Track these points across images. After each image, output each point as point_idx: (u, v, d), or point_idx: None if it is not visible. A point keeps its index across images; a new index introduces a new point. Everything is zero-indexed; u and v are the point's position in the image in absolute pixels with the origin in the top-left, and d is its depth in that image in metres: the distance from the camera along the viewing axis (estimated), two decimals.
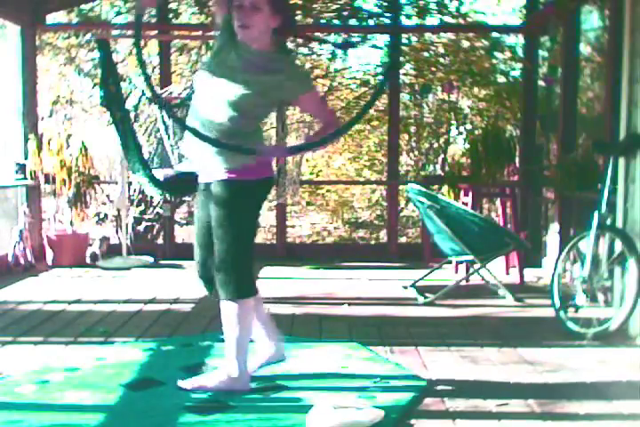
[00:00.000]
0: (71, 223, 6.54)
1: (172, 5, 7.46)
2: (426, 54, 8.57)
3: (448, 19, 7.99)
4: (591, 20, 6.03)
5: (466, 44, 8.47)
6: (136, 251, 6.59)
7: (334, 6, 7.49)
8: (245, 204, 2.95)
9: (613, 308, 4.02)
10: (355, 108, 9.08)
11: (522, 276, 5.63)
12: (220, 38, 2.98)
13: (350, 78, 9.22)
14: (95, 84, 8.13)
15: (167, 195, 5.15)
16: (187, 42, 8.41)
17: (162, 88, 6.41)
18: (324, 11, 7.58)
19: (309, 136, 2.93)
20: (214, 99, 2.89)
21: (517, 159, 6.64)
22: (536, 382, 3.17)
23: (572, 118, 5.90)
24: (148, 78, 3.58)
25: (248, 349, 3.03)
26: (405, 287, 5.32)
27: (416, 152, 9.47)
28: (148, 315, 4.45)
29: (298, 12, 7.55)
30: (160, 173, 4.58)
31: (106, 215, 8.65)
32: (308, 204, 10.39)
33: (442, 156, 9.22)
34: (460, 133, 9.12)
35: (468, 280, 5.45)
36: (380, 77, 2.64)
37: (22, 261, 6.11)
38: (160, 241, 7.59)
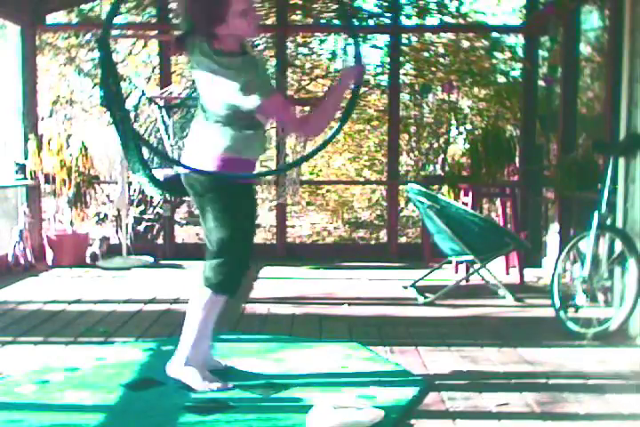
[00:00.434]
0: (71, 223, 6.54)
1: (172, 5, 7.45)
2: (426, 54, 8.57)
3: (448, 19, 8.00)
4: (591, 20, 6.03)
5: (466, 44, 8.47)
6: (136, 251, 6.59)
7: (334, 6, 7.49)
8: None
9: (613, 308, 4.02)
10: (355, 108, 9.08)
11: (522, 276, 5.63)
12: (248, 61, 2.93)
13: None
14: (95, 84, 8.13)
15: (167, 195, 5.15)
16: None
17: (162, 88, 6.42)
18: (323, 11, 7.59)
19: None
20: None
21: (517, 159, 6.64)
22: (536, 382, 3.17)
23: (572, 118, 5.90)
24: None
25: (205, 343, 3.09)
26: (405, 287, 5.32)
27: (416, 152, 9.47)
28: (148, 315, 4.45)
29: (298, 11, 7.56)
30: (160, 173, 4.58)
31: (106, 215, 8.65)
32: (308, 204, 10.39)
33: (442, 156, 9.21)
34: (460, 133, 9.12)
35: (468, 280, 5.45)
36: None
37: (22, 261, 6.11)
38: (160, 241, 7.59)
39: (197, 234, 8.34)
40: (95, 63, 8.06)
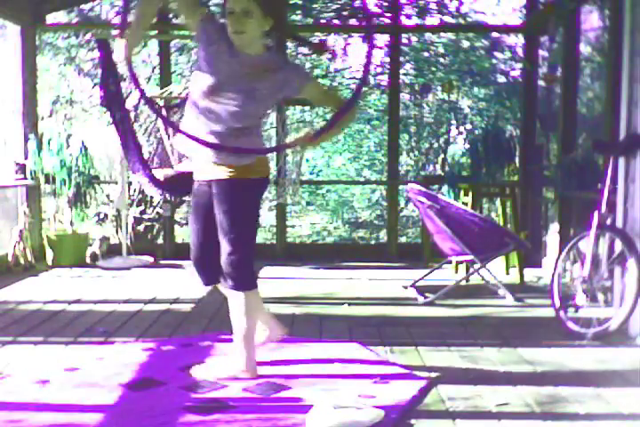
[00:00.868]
0: (71, 223, 6.55)
1: (173, 5, 7.45)
2: (426, 54, 8.57)
3: (448, 19, 8.00)
4: (591, 20, 6.03)
5: (466, 44, 8.47)
6: (136, 251, 6.60)
7: (334, 6, 7.50)
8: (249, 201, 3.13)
9: (613, 308, 4.02)
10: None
11: (522, 276, 5.63)
12: (212, 47, 2.95)
13: (350, 78, 9.22)
14: (95, 84, 8.13)
15: (167, 195, 5.15)
16: (187, 42, 8.41)
17: (162, 88, 6.42)
18: (324, 11, 7.59)
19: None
20: (222, 103, 2.94)
21: (517, 159, 6.64)
22: (536, 382, 3.17)
23: (572, 118, 5.90)
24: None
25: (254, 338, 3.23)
26: (405, 287, 5.33)
27: (416, 152, 9.47)
28: (148, 315, 4.45)
29: (298, 11, 7.56)
30: (160, 173, 4.59)
31: (106, 215, 8.65)
32: (308, 204, 10.39)
33: (442, 156, 9.22)
34: (460, 133, 9.13)
35: (468, 280, 5.45)
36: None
37: (22, 261, 6.11)
38: (160, 241, 7.59)
39: None
40: (95, 63, 8.06)
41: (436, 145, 9.39)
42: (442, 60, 8.65)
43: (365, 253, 7.07)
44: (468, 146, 6.77)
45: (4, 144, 6.51)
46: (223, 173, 3.03)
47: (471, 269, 5.39)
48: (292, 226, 9.75)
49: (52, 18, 7.09)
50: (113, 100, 4.88)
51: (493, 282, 5.20)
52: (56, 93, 8.34)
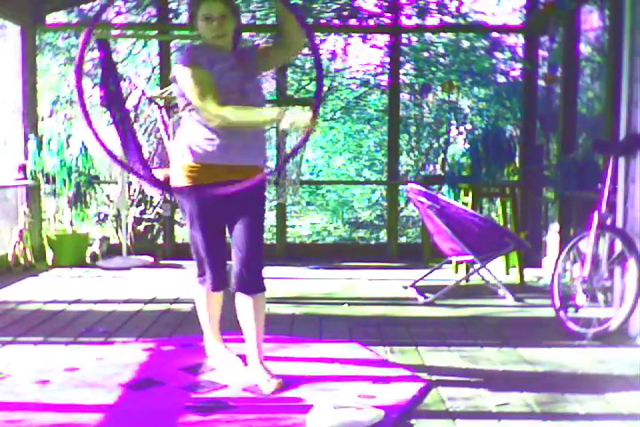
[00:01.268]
0: (71, 223, 6.55)
1: (173, 5, 7.46)
2: (426, 54, 8.57)
3: (448, 19, 8.00)
4: (591, 20, 6.03)
5: (466, 44, 8.47)
6: (136, 251, 6.60)
7: (334, 6, 7.50)
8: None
9: (613, 308, 4.02)
10: (355, 108, 9.09)
11: (522, 276, 5.63)
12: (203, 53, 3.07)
13: (350, 78, 9.23)
14: (95, 84, 8.13)
15: (167, 195, 5.15)
16: (187, 42, 8.40)
17: (162, 88, 6.42)
18: (324, 11, 7.59)
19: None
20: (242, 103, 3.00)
21: (517, 159, 6.64)
22: (536, 382, 3.17)
23: (572, 118, 5.90)
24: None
25: None
26: (405, 287, 5.33)
27: (416, 152, 9.47)
28: (148, 315, 4.45)
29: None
30: (160, 173, 4.58)
31: (106, 215, 8.64)
32: (308, 204, 10.39)
33: (442, 156, 9.22)
34: (460, 133, 9.13)
35: (467, 280, 5.45)
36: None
37: (22, 261, 6.11)
38: (160, 241, 7.59)
39: None
40: (95, 63, 8.06)
41: (435, 145, 9.39)
42: (442, 60, 8.65)
43: (365, 253, 7.07)
44: (468, 146, 6.76)
45: (4, 144, 6.51)
46: (254, 173, 3.09)
47: (471, 269, 5.39)
48: (292, 226, 9.75)
49: (51, 18, 7.08)
50: (113, 100, 4.89)
51: (493, 282, 5.20)
52: (56, 93, 8.34)
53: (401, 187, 7.11)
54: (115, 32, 7.16)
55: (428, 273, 5.37)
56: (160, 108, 5.83)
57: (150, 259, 6.51)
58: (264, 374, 3.08)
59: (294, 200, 8.06)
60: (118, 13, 8.04)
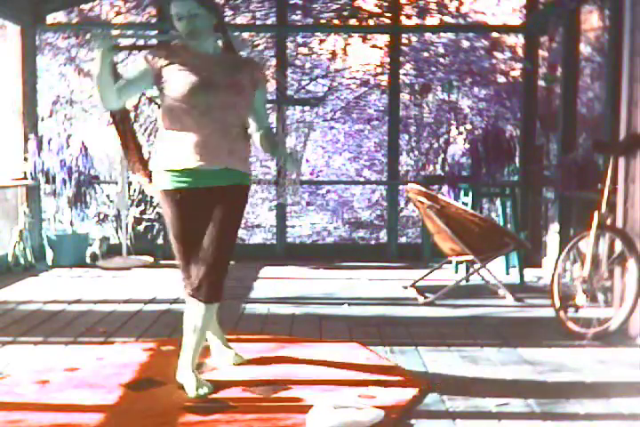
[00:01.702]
0: (71, 223, 6.55)
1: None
2: (426, 54, 8.56)
3: (448, 19, 7.99)
4: (591, 20, 6.03)
5: (466, 44, 8.47)
6: (136, 251, 6.59)
7: (334, 6, 7.49)
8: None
9: (613, 308, 4.02)
10: (355, 108, 9.08)
11: (522, 276, 5.63)
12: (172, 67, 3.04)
13: (350, 78, 9.22)
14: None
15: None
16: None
17: None
18: (324, 11, 7.59)
19: None
20: (224, 105, 2.98)
21: (517, 159, 6.64)
22: (536, 382, 3.17)
23: (572, 118, 5.90)
24: None
25: None
26: (405, 287, 5.33)
27: (416, 152, 9.47)
28: (148, 315, 4.45)
29: (298, 11, 7.55)
30: None
31: (106, 215, 8.64)
32: (308, 204, 10.39)
33: (442, 156, 9.21)
34: (460, 133, 9.12)
35: (467, 280, 5.45)
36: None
37: (22, 261, 6.11)
38: (160, 241, 7.58)
39: None
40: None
41: (435, 145, 9.38)
42: (442, 60, 8.64)
43: (365, 253, 7.07)
44: (468, 146, 6.76)
45: (4, 144, 6.51)
46: (236, 179, 3.04)
47: (471, 269, 5.39)
48: (292, 226, 9.75)
49: (51, 18, 7.08)
50: None
51: (493, 282, 5.20)
52: (56, 93, 8.33)
53: (401, 187, 7.10)
54: (115, 32, 7.15)
55: (428, 273, 5.37)
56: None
57: (150, 259, 6.51)
58: (194, 381, 3.01)
59: (294, 200, 8.06)
60: (118, 13, 8.04)
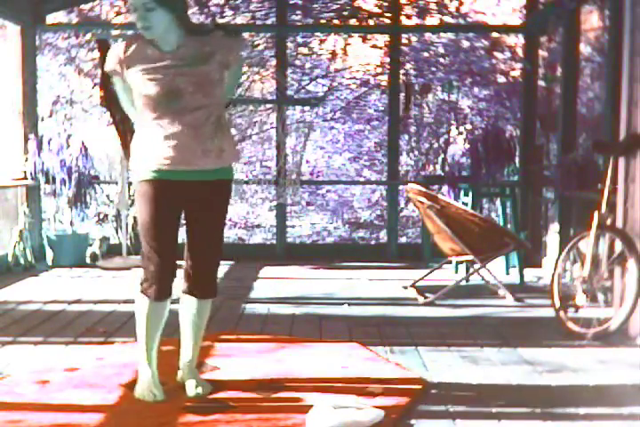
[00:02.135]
0: (71, 223, 6.55)
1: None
2: (426, 54, 8.57)
3: (448, 19, 8.00)
4: (591, 20, 6.03)
5: (466, 44, 8.47)
6: (136, 251, 6.59)
7: (334, 6, 7.50)
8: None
9: (613, 308, 4.02)
10: (355, 108, 9.08)
11: (522, 276, 5.63)
12: (137, 68, 2.89)
13: (350, 78, 9.22)
14: (95, 84, 8.12)
15: None
16: None
17: None
18: (324, 11, 7.59)
19: None
20: (193, 108, 2.84)
21: (517, 159, 6.64)
22: (536, 382, 3.17)
23: (572, 118, 5.90)
24: None
25: None
26: (405, 287, 5.32)
27: (416, 152, 9.47)
28: None
29: (298, 11, 7.55)
30: None
31: (106, 215, 8.64)
32: (308, 204, 10.39)
33: (442, 156, 9.21)
34: (460, 133, 9.12)
35: (467, 280, 5.45)
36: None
37: (22, 261, 6.11)
38: None
39: None
40: (95, 63, 8.06)
41: (435, 145, 9.39)
42: (442, 60, 8.64)
43: (365, 253, 7.07)
44: (468, 146, 6.76)
45: (4, 144, 6.51)
46: (219, 175, 2.94)
47: (471, 269, 5.39)
48: (292, 226, 9.75)
49: (52, 18, 7.09)
50: (113, 100, 4.88)
51: (493, 282, 5.20)
52: (56, 93, 8.34)
53: (401, 187, 7.11)
54: (115, 32, 7.16)
55: (428, 273, 5.37)
56: None
57: None
58: (196, 378, 3.03)
59: (294, 200, 8.06)
60: (118, 13, 8.04)
